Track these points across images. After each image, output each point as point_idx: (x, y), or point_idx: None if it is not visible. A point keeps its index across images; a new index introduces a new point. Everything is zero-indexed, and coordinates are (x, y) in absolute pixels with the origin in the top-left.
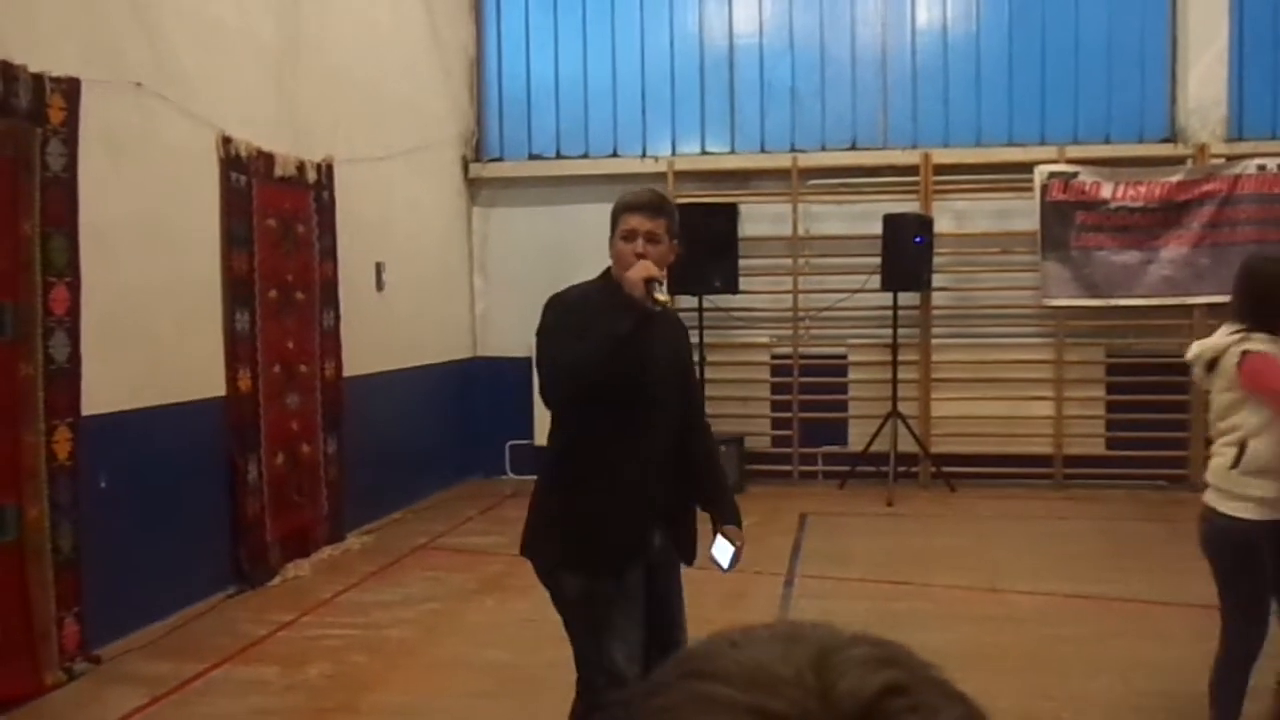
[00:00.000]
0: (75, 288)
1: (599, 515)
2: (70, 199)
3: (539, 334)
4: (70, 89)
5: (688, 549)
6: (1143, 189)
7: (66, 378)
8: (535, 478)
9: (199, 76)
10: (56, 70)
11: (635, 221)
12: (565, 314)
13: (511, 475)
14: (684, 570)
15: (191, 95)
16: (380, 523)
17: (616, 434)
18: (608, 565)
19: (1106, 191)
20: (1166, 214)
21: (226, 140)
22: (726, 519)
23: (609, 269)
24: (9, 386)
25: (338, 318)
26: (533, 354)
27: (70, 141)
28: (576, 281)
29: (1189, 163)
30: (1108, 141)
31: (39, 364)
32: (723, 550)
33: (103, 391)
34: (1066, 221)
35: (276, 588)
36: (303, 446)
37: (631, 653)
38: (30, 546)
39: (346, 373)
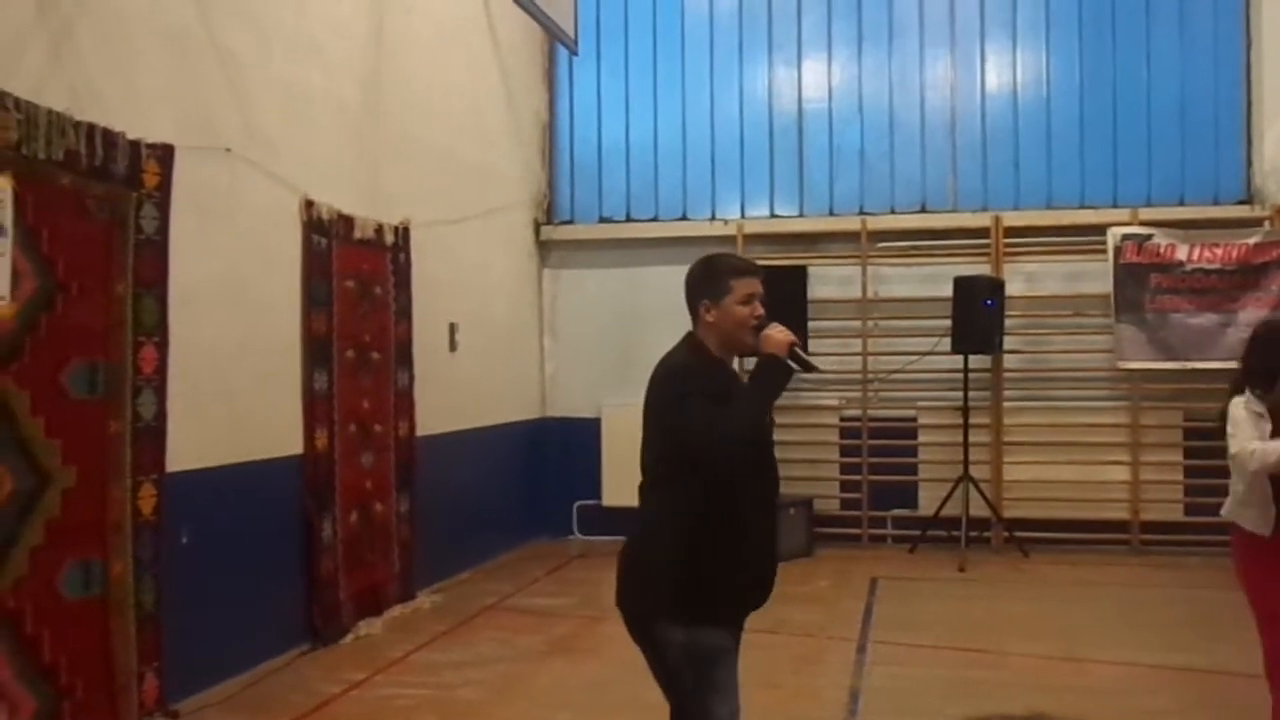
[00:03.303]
0: (164, 347)
1: (729, 569)
2: (161, 261)
3: (676, 400)
4: (165, 154)
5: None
6: (1219, 251)
7: (153, 435)
8: (634, 535)
9: (285, 142)
10: (152, 136)
11: (754, 285)
12: (701, 380)
13: (579, 536)
14: (759, 637)
15: (277, 160)
16: (449, 582)
17: (745, 494)
18: (730, 617)
19: (1182, 254)
20: (1244, 276)
21: (309, 203)
22: None
23: (692, 336)
24: (99, 443)
25: (412, 378)
26: (600, 416)
27: (163, 205)
28: (647, 342)
29: (1266, 225)
30: (1182, 204)
31: (127, 421)
32: None
33: (186, 449)
34: (1141, 284)
35: (348, 646)
36: (376, 505)
37: (734, 711)
38: (114, 601)
39: (419, 432)
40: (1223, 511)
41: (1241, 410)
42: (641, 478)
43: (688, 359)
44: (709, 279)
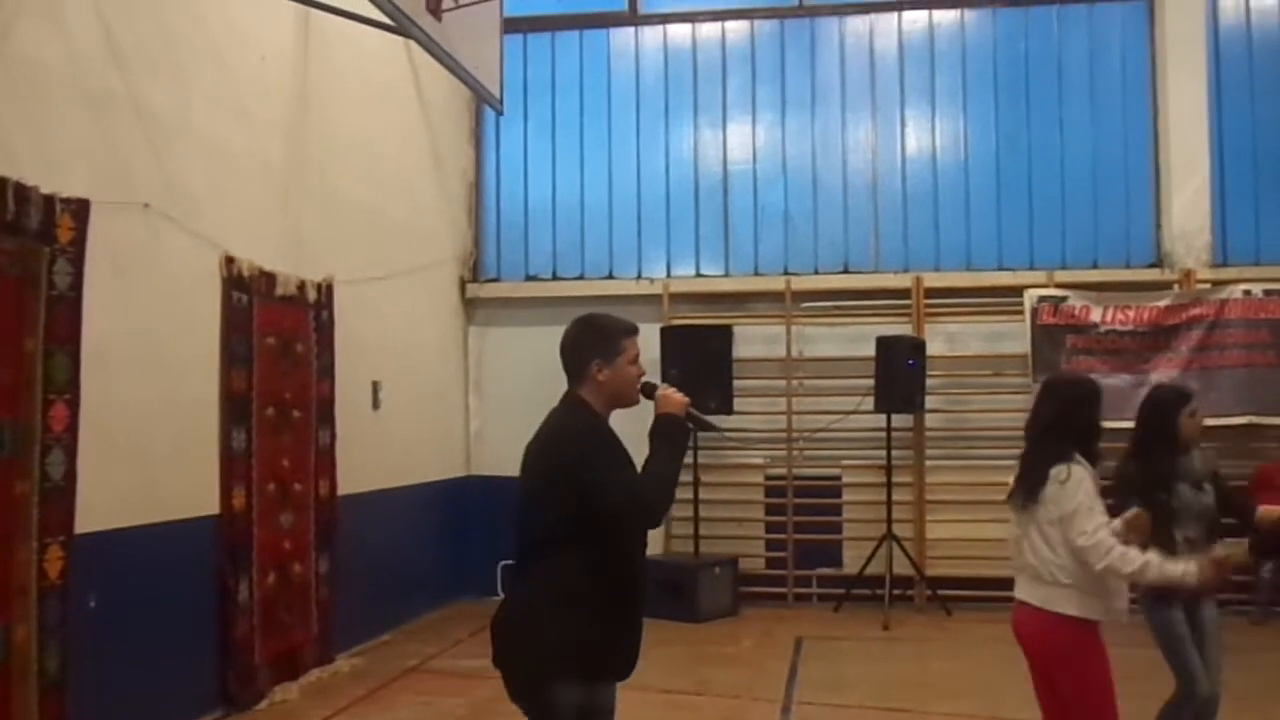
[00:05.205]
0: (75, 405)
1: (630, 625)
2: (74, 317)
3: (586, 463)
4: (80, 209)
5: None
6: (1131, 313)
7: (61, 495)
8: (524, 596)
9: (205, 197)
10: (67, 191)
11: (638, 345)
12: (605, 441)
13: (503, 596)
14: (683, 698)
15: (197, 216)
16: (370, 644)
17: (633, 548)
18: (625, 672)
19: (1096, 315)
20: (1155, 337)
21: (230, 260)
22: None
23: (574, 395)
24: (3, 504)
25: (334, 436)
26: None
27: (77, 261)
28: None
29: (1176, 288)
30: (1095, 266)
31: (35, 481)
32: None
33: (97, 509)
34: (1057, 344)
35: (263, 712)
36: (294, 566)
37: None
38: (16, 668)
39: (341, 491)
40: (1042, 602)
41: (1091, 484)
42: (523, 539)
43: (582, 420)
44: (602, 339)
